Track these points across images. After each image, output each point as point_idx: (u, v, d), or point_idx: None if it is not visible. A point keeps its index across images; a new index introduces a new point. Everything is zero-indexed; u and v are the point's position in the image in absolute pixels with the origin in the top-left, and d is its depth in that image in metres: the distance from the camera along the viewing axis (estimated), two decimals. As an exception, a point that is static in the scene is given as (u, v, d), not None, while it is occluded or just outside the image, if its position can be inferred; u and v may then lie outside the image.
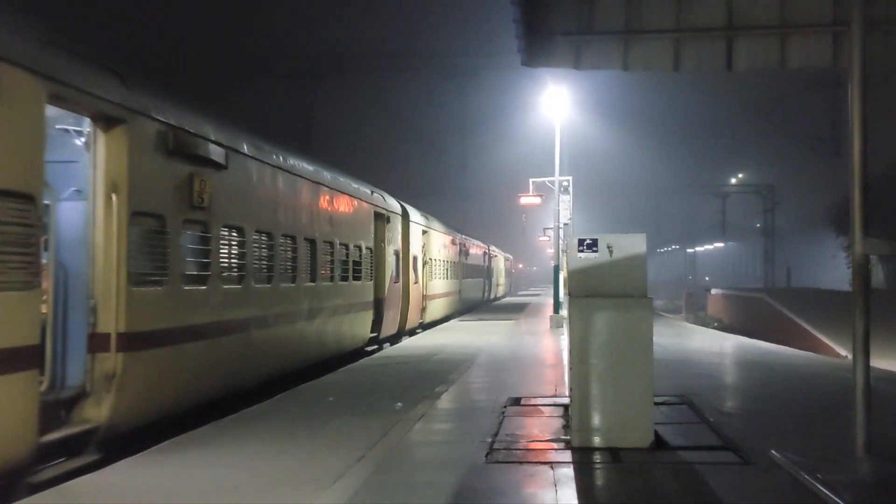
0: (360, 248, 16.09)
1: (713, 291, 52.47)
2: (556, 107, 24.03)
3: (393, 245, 19.34)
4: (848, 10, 6.09)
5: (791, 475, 5.87)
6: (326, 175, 14.22)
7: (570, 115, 26.10)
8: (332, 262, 14.12)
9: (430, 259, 24.92)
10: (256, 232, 10.75)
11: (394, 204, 20.21)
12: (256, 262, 10.81)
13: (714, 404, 9.07)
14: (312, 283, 12.93)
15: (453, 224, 35.69)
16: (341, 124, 66.94)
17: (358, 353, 15.91)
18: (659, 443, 6.93)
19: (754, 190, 64.31)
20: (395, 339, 19.80)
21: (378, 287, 17.68)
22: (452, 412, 9.13)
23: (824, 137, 50.92)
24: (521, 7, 6.54)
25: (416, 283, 21.97)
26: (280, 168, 11.71)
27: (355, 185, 16.38)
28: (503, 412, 8.69)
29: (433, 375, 11.95)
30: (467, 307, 34.76)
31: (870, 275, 6.28)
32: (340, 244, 14.64)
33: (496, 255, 52.20)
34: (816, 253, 71.43)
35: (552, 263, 26.46)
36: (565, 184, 25.09)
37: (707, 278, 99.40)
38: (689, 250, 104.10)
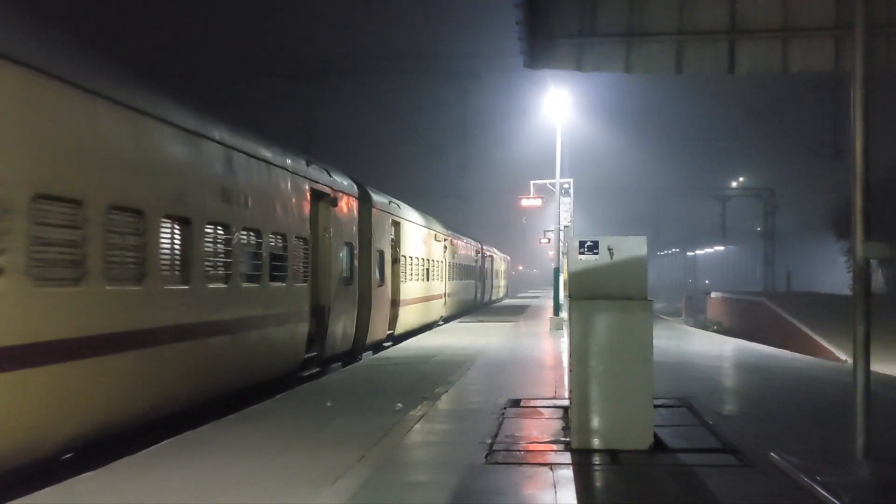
0: (283, 238, 11.78)
1: (713, 295, 52.46)
2: (558, 109, 24.05)
3: (344, 236, 14.87)
4: (850, 14, 6.11)
5: (790, 478, 5.87)
6: (223, 130, 10.12)
7: (571, 117, 26.17)
8: (227, 254, 10.00)
9: (404, 256, 21.08)
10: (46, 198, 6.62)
11: (345, 182, 15.36)
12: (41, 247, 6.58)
13: (713, 407, 9.07)
14: (183, 287, 8.89)
15: (453, 226, 35.39)
16: (342, 126, 66.97)
17: (289, 379, 12.27)
18: (658, 445, 6.94)
19: (755, 193, 64.30)
20: (349, 357, 15.73)
21: (319, 291, 13.78)
22: (452, 413, 9.13)
23: (825, 141, 50.95)
24: (524, 9, 6.55)
25: (380, 285, 17.64)
26: (104, 97, 7.57)
27: (277, 152, 11.93)
28: (503, 413, 8.70)
29: (433, 376, 11.96)
30: (455, 313, 31.88)
31: (870, 279, 6.28)
32: (245, 231, 10.53)
33: (491, 255, 49.38)
34: (816, 257, 71.44)
35: (552, 266, 26.47)
36: (566, 186, 25.11)
37: (707, 281, 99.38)
38: (690, 253, 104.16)
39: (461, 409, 9.35)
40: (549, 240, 31.87)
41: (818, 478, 5.59)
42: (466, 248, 36.43)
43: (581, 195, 38.89)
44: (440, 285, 27.67)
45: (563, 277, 23.38)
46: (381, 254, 17.80)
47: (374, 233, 17.06)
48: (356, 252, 15.77)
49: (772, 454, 6.43)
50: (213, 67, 47.84)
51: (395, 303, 19.75)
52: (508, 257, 66.80)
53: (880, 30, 6.45)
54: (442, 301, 28.21)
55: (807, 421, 8.54)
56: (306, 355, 12.89)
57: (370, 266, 16.70)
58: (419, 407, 9.14)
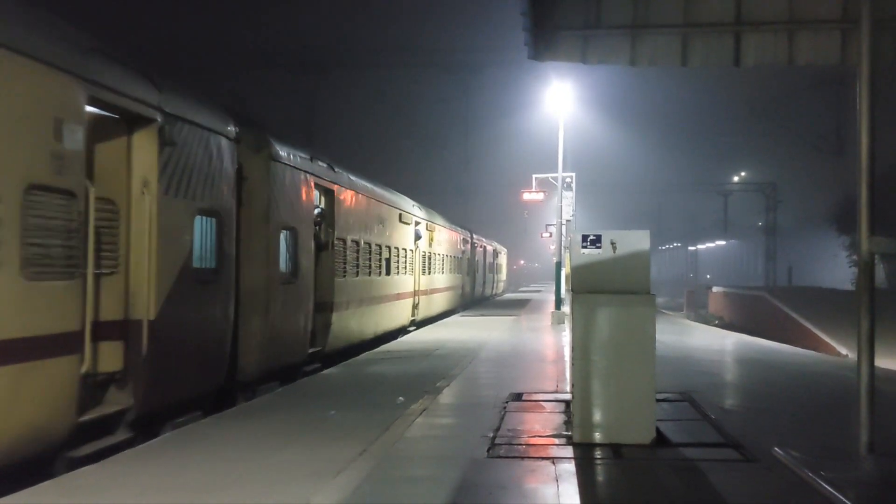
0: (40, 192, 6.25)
1: (714, 289, 52.43)
2: (560, 103, 23.98)
3: (198, 199, 8.80)
4: (857, 7, 6.06)
5: (794, 473, 5.85)
6: None
7: (573, 111, 26.11)
8: None
9: (341, 240, 14.75)
10: None
11: (202, 112, 9.11)
12: None
13: (715, 401, 9.06)
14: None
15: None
16: (344, 119, 66.95)
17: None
18: (660, 439, 6.92)
19: (756, 188, 64.22)
20: (218, 400, 9.67)
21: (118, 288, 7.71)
22: (454, 407, 9.12)
23: (827, 136, 50.91)
24: (529, 0, 6.51)
25: (290, 281, 11.84)
26: None
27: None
28: (504, 407, 8.69)
29: (435, 370, 11.94)
30: (433, 314, 26.04)
31: (874, 273, 6.25)
32: None
33: (482, 246, 42.99)
34: (818, 252, 71.33)
35: (554, 260, 26.44)
36: (568, 180, 25.09)
37: (708, 276, 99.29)
38: (691, 248, 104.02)
39: (463, 403, 9.34)
40: (550, 234, 31.87)
41: (822, 473, 5.57)
42: (451, 236, 30.27)
43: (583, 190, 38.88)
44: (409, 281, 21.71)
45: (564, 272, 23.37)
46: (294, 234, 11.99)
47: (276, 201, 11.28)
48: (227, 227, 9.56)
49: (775, 449, 6.42)
50: (215, 59, 47.80)
51: (324, 306, 13.67)
52: (504, 249, 59.57)
53: (886, 23, 6.41)
54: (411, 301, 22.20)
55: (808, 416, 8.52)
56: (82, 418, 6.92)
57: (265, 251, 10.96)
58: (421, 401, 9.13)
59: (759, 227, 66.12)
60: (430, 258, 25.27)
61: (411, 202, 22.68)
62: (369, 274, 17.06)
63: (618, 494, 5.71)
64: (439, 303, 27.53)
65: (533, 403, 9.01)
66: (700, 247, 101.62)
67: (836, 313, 26.37)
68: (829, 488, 5.29)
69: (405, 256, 21.13)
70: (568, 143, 24.62)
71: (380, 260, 18.10)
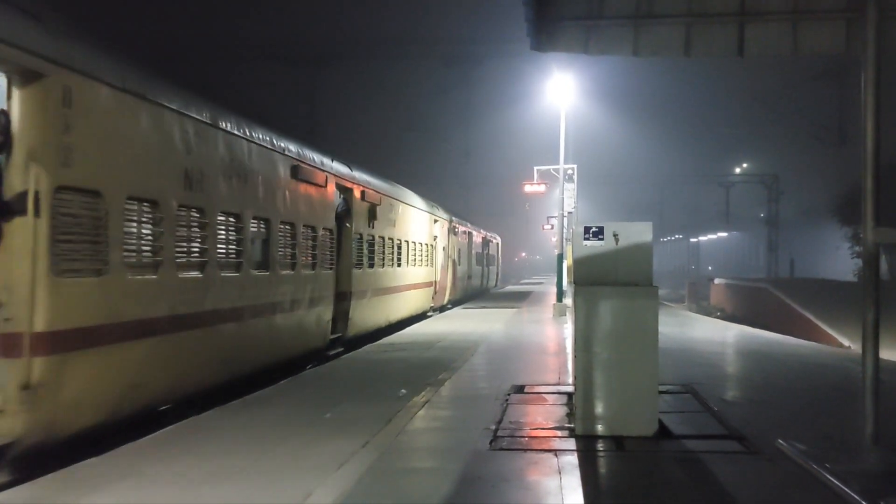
0: None
1: (716, 281, 52.40)
2: (562, 94, 23.90)
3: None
4: (862, -4, 6.01)
5: (798, 464, 5.84)
6: None
7: (575, 103, 25.99)
8: None
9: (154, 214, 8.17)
10: None
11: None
12: None
13: (718, 393, 9.04)
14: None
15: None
16: (344, 112, 66.86)
17: None
18: (663, 431, 6.91)
19: (759, 180, 64.17)
20: None
21: None
22: (456, 399, 9.11)
23: (829, 127, 50.80)
24: (531, -10, 6.46)
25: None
26: None
27: None
28: (507, 400, 8.68)
29: (437, 363, 11.94)
30: (373, 325, 17.16)
31: (879, 264, 6.22)
32: None
33: (468, 232, 33.91)
34: (820, 243, 71.19)
35: (555, 252, 26.40)
36: (570, 172, 25.05)
37: (710, 268, 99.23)
38: (693, 240, 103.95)
39: (465, 396, 9.33)
40: (552, 226, 31.82)
41: (827, 465, 5.55)
42: (417, 216, 22.43)
43: (585, 181, 38.83)
44: (329, 278, 13.75)
45: (566, 264, 23.34)
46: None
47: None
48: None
49: (779, 441, 6.40)
50: (214, 52, 47.68)
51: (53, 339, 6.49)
52: (499, 237, 50.74)
53: (892, 12, 6.35)
54: (321, 308, 13.33)
55: (811, 407, 8.50)
56: None
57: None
58: (423, 393, 9.12)
59: (761, 218, 66.06)
60: (373, 244, 16.91)
61: (342, 165, 15.12)
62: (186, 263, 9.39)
63: (620, 487, 5.70)
64: (397, 303, 19.46)
65: (535, 395, 8.99)
66: (702, 238, 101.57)
67: (838, 304, 26.35)
68: (835, 480, 5.28)
69: (321, 244, 13.34)
70: (570, 134, 24.53)
71: (263, 249, 11.05)
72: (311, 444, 6.68)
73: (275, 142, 11.43)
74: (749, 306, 39.13)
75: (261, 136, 10.90)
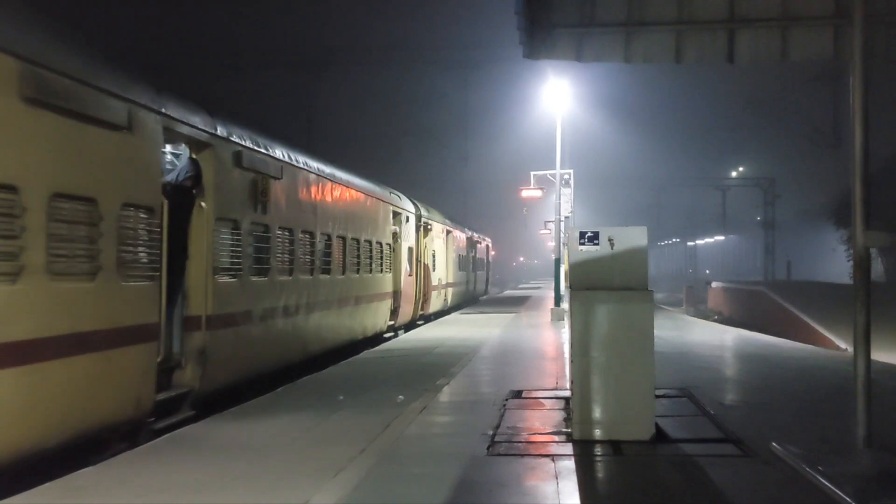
0: None
1: (713, 284, 52.48)
2: (558, 100, 24.00)
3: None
4: (849, 3, 6.08)
5: (792, 468, 5.88)
6: None
7: (571, 108, 26.12)
8: None
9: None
10: None
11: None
12: None
13: (715, 397, 9.08)
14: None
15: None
16: (342, 117, 66.93)
17: None
18: (660, 435, 6.94)
19: (755, 183, 64.20)
20: None
21: None
22: (454, 405, 9.15)
23: (825, 130, 50.93)
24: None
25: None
26: None
27: None
28: (504, 405, 8.71)
29: (434, 368, 11.97)
30: (247, 372, 10.76)
31: (870, 267, 6.27)
32: None
33: (439, 227, 26.99)
34: (816, 246, 71.32)
35: (553, 256, 26.44)
36: (566, 177, 25.09)
37: (707, 271, 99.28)
38: (690, 243, 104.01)
39: (463, 401, 9.37)
40: (549, 230, 31.85)
41: (820, 468, 5.59)
42: (362, 203, 16.84)
43: (581, 186, 38.83)
44: (140, 295, 7.91)
45: (563, 268, 23.38)
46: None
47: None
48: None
49: (773, 444, 6.44)
50: (213, 59, 47.70)
51: None
52: (488, 239, 46.89)
53: (879, 18, 6.43)
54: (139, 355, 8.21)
55: (807, 410, 8.55)
56: None
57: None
58: (421, 398, 9.15)
59: (758, 221, 66.09)
60: (247, 237, 10.86)
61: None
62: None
63: (618, 491, 5.74)
64: (283, 341, 12.14)
65: (533, 401, 9.03)
66: (699, 242, 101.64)
67: (834, 307, 26.40)
68: (828, 483, 5.31)
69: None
70: (566, 139, 24.64)
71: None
72: (308, 450, 6.71)
73: None
74: (746, 309, 39.19)
75: None
